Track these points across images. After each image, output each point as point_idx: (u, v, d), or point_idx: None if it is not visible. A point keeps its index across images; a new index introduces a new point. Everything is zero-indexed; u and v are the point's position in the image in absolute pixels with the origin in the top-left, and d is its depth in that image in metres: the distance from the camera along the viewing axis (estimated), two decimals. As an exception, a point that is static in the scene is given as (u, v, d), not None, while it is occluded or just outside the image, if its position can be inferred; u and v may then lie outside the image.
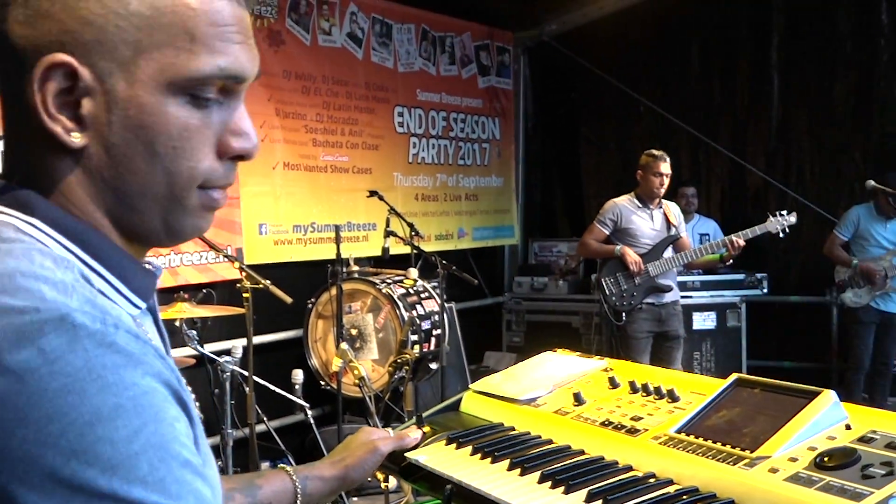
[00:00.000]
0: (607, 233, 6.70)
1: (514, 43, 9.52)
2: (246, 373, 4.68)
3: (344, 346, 4.15)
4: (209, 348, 5.02)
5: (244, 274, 4.64)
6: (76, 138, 0.93)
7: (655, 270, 6.56)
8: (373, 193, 6.06)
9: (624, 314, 6.57)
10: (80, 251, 0.94)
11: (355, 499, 5.39)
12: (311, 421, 5.06)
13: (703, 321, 7.93)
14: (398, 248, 6.27)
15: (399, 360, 4.52)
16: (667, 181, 6.64)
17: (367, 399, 4.29)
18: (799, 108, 8.52)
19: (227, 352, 4.83)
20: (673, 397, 1.85)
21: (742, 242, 6.53)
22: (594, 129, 9.68)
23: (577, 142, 9.80)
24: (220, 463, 4.40)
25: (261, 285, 4.56)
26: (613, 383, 2.01)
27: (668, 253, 6.67)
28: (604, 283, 6.63)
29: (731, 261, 6.80)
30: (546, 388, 2.09)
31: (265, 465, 5.68)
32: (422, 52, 8.16)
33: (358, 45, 7.38)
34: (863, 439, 1.50)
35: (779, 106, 8.59)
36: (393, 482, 4.64)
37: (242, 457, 5.01)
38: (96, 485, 0.78)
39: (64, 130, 0.92)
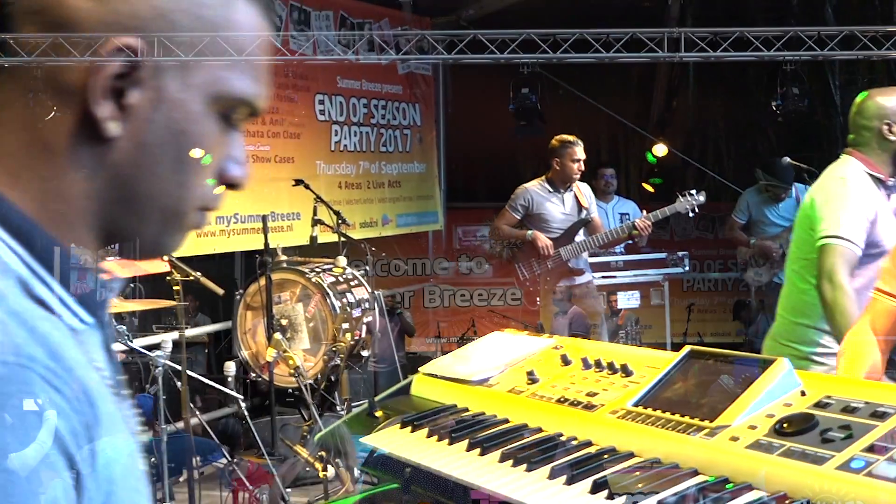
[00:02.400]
0: (518, 218, 6.71)
1: (432, 28, 9.50)
2: (179, 367, 4.60)
3: (278, 336, 4.10)
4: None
5: (172, 267, 4.55)
6: (114, 128, 0.85)
7: (567, 254, 6.61)
8: (298, 182, 6.00)
9: (538, 298, 6.63)
10: (25, 253, 0.83)
11: (289, 490, 5.33)
12: (246, 413, 5.00)
13: (628, 300, 8.02)
14: (325, 237, 6.22)
15: (334, 348, 4.49)
16: (583, 166, 6.69)
17: (303, 388, 4.25)
18: (715, 88, 8.69)
19: (157, 346, 4.74)
20: (627, 372, 1.87)
21: (648, 223, 6.65)
22: (513, 113, 9.70)
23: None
24: (154, 459, 4.32)
25: (191, 277, 4.49)
26: (565, 360, 2.02)
27: (580, 236, 6.72)
28: (517, 268, 6.68)
29: (644, 238, 6.96)
30: (498, 368, 2.09)
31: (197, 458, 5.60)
32: (341, 39, 8.09)
33: (276, 32, 7.29)
34: (819, 405, 1.53)
35: (695, 86, 8.74)
36: (331, 471, 4.60)
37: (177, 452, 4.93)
38: None
39: (106, 117, 0.85)
